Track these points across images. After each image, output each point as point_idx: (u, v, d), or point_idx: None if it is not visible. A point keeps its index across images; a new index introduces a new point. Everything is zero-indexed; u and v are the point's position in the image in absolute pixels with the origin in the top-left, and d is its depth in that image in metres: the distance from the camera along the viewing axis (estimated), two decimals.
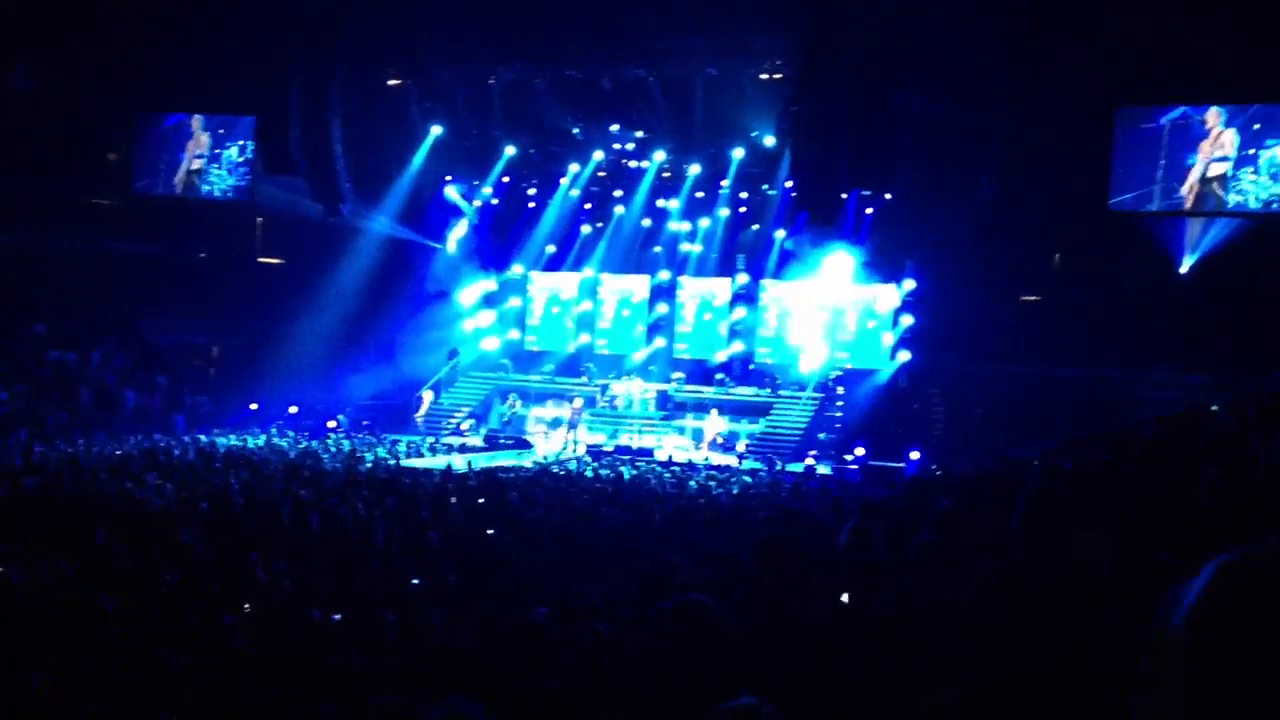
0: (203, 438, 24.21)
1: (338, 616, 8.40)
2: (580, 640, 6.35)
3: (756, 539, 4.26)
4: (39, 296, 28.94)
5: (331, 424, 28.25)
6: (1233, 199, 24.73)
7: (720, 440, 27.52)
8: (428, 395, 29.89)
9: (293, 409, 28.86)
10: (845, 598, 4.25)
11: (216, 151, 31.12)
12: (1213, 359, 23.08)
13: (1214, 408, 15.76)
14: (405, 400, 30.28)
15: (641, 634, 6.53)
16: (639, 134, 29.61)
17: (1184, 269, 25.90)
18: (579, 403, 28.25)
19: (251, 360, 30.13)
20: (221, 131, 31.14)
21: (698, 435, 27.98)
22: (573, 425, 27.56)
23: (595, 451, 25.99)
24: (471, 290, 32.90)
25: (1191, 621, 1.40)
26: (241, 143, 30.73)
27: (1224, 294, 24.43)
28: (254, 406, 28.71)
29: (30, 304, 28.51)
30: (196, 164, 31.26)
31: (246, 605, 8.62)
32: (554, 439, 27.79)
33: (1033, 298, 28.81)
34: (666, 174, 30.77)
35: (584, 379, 30.61)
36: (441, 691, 6.62)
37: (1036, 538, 3.73)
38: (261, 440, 24.76)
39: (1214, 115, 24.91)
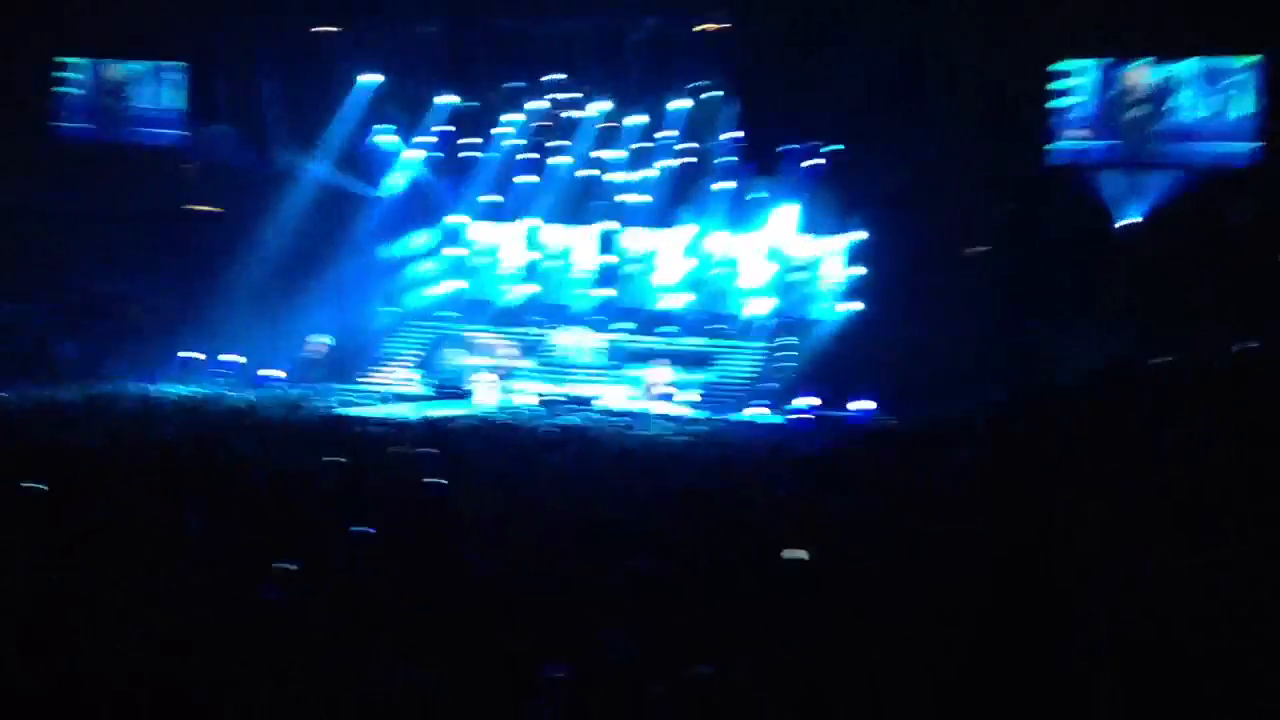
0: (143, 388, 23.86)
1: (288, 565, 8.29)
2: (522, 593, 6.33)
3: (676, 493, 4.21)
4: None
5: (273, 374, 27.92)
6: (1179, 153, 25.01)
7: (666, 390, 27.52)
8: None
9: (232, 358, 28.47)
10: (787, 553, 4.24)
11: (145, 98, 30.41)
12: (1151, 316, 23.34)
13: (1152, 361, 16.01)
14: (347, 350, 29.96)
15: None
16: (578, 85, 29.27)
17: (1123, 223, 26.14)
18: (512, 351, 28.18)
19: (189, 310, 29.62)
20: (149, 79, 30.43)
21: (643, 385, 27.95)
22: (506, 375, 27.48)
23: (541, 401, 25.92)
24: (413, 239, 32.62)
25: None
26: (170, 90, 30.02)
27: (1164, 249, 24.70)
28: (193, 356, 28.28)
29: None
30: (124, 110, 30.54)
31: (185, 560, 8.48)
32: (491, 389, 27.60)
33: (977, 249, 29.00)
34: (609, 124, 30.50)
35: (528, 329, 30.49)
36: (385, 643, 6.57)
37: (982, 496, 3.73)
38: (201, 390, 24.45)
39: (1145, 70, 25.11)
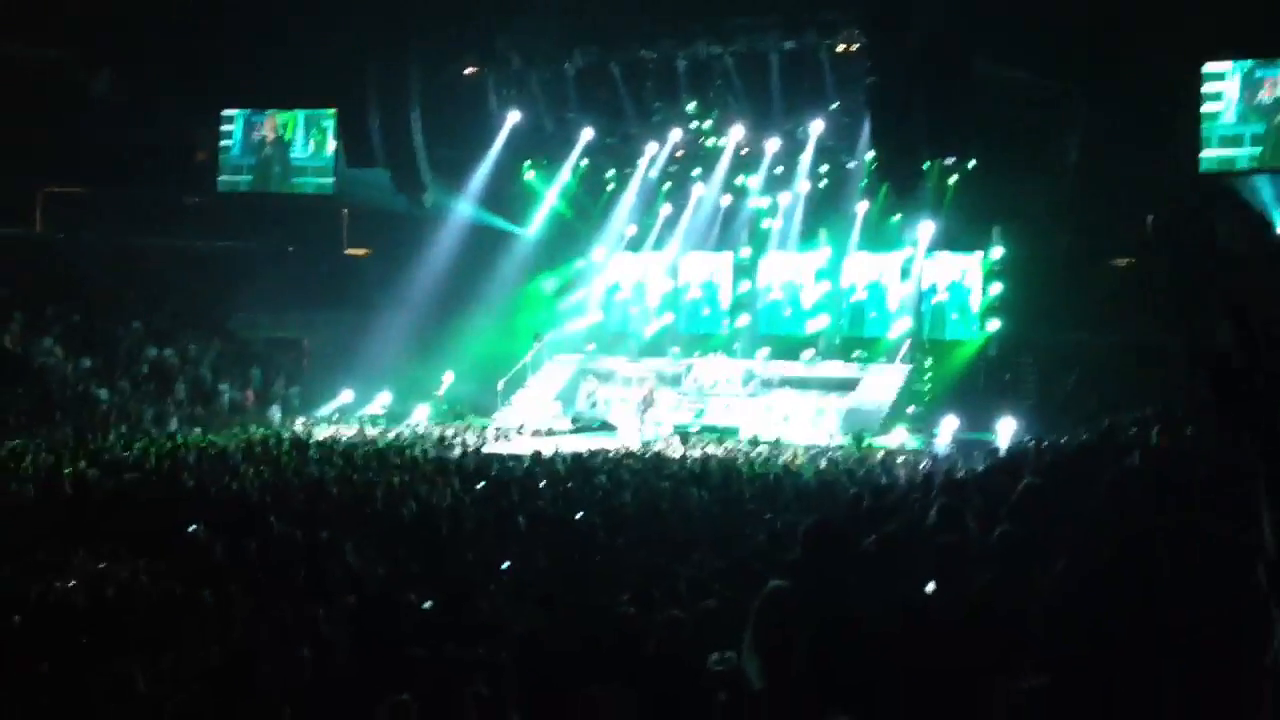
0: (297, 428, 24.66)
1: (429, 604, 8.49)
2: (665, 628, 6.36)
3: (807, 527, 4.18)
4: (133, 295, 29.67)
5: (421, 410, 28.60)
6: None
7: (806, 417, 27.28)
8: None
9: (383, 397, 29.27)
10: (931, 586, 4.18)
11: (299, 146, 31.55)
12: None
13: None
14: (491, 385, 30.52)
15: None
16: (715, 112, 29.41)
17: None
18: (651, 384, 28.20)
19: (342, 351, 30.58)
20: (303, 126, 31.57)
21: (784, 413, 27.77)
22: (647, 406, 27.49)
23: (681, 431, 25.96)
24: (557, 273, 33.17)
25: None
26: (324, 137, 31.09)
27: None
28: (346, 396, 29.15)
29: (124, 302, 29.24)
30: (280, 159, 31.73)
31: (342, 595, 8.75)
32: (632, 421, 27.76)
33: (1123, 262, 28.19)
34: (744, 151, 30.55)
35: (668, 359, 30.61)
36: (530, 679, 6.68)
37: (1118, 524, 3.64)
38: (354, 429, 25.17)
39: None
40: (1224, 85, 24.48)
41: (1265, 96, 24.22)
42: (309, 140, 31.54)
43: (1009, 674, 3.42)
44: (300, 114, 31.45)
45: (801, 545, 3.98)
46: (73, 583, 8.73)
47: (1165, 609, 3.33)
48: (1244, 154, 24.54)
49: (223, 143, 31.91)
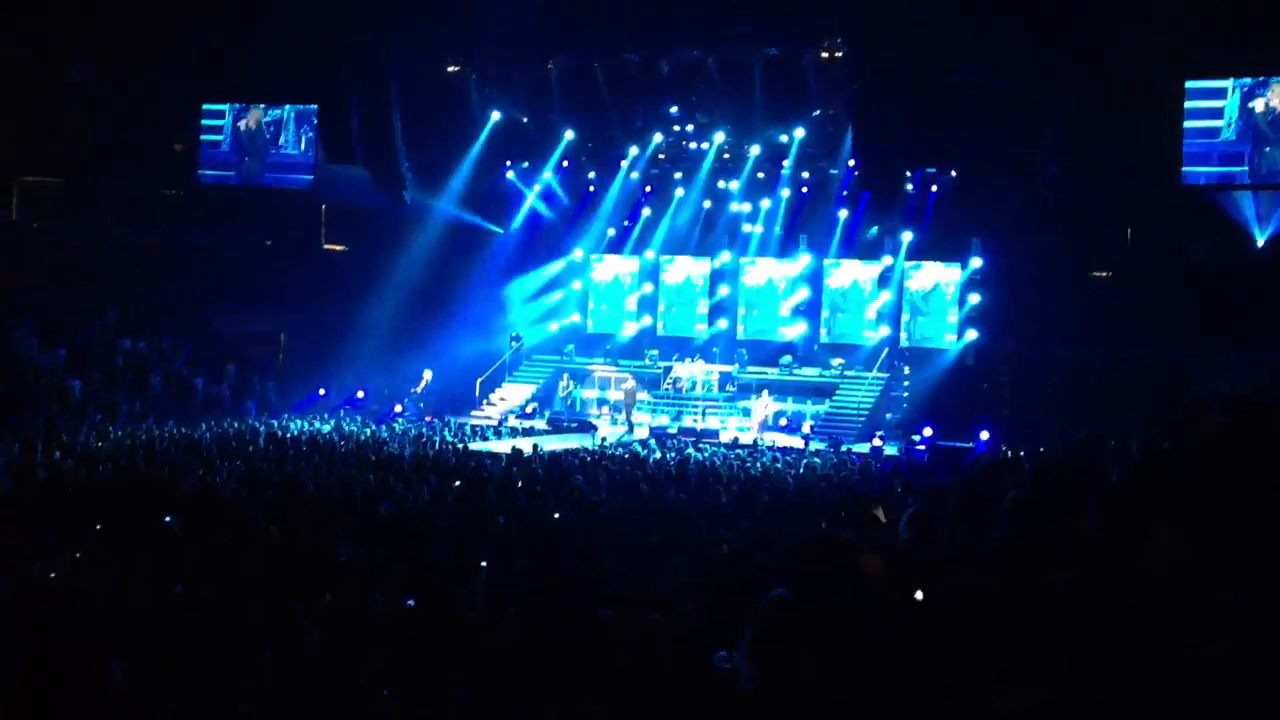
0: (273, 423, 24.52)
1: (410, 602, 8.43)
2: (644, 634, 6.33)
3: (805, 537, 4.16)
4: (108, 286, 29.39)
5: (398, 408, 28.52)
6: None
7: (771, 421, 27.29)
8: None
9: (360, 394, 29.18)
10: (919, 594, 4.16)
11: (279, 141, 31.31)
12: None
13: None
14: (469, 384, 30.47)
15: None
16: (699, 116, 29.42)
17: (1260, 244, 25.26)
18: (631, 384, 28.25)
19: (318, 346, 30.45)
20: (284, 121, 31.35)
21: (760, 416, 27.82)
22: (627, 408, 27.58)
23: (659, 434, 25.97)
24: (536, 274, 33.14)
25: None
26: (304, 133, 30.88)
27: None
28: (321, 392, 29.03)
29: (100, 294, 28.98)
30: (259, 153, 31.49)
31: (318, 591, 8.68)
32: (610, 422, 27.81)
33: (1102, 274, 28.36)
34: (726, 155, 30.58)
35: (646, 362, 30.64)
36: (509, 678, 6.64)
37: (1112, 538, 3.63)
38: (330, 425, 25.05)
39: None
40: (1224, 104, 24.48)
41: (1251, 113, 24.27)
42: (300, 137, 31.28)
43: (1006, 685, 3.41)
44: (290, 110, 31.16)
45: (801, 555, 3.96)
46: (52, 574, 8.63)
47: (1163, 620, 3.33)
48: (1242, 171, 24.56)
49: (210, 137, 31.61)
